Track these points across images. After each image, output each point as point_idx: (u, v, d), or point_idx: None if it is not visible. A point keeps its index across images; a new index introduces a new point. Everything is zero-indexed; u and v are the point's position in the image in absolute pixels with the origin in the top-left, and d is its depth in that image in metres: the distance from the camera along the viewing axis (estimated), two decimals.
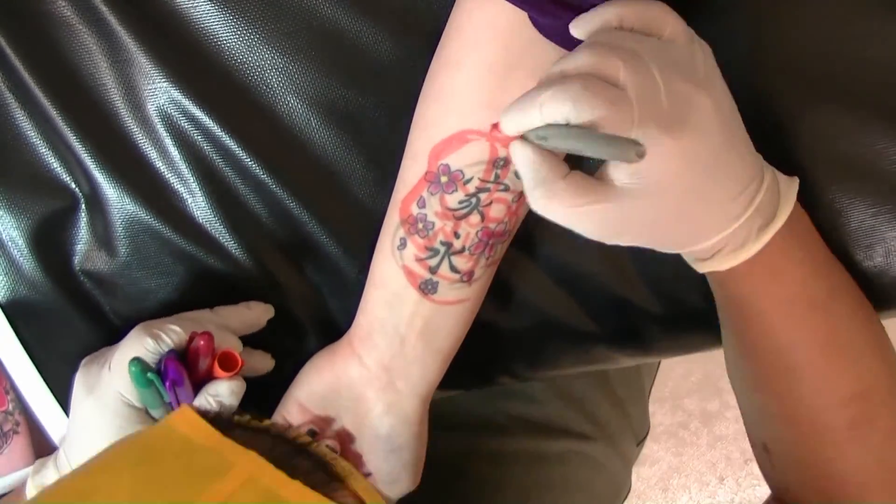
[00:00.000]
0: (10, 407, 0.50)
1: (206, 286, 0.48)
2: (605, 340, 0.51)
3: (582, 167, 0.36)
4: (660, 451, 1.32)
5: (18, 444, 0.50)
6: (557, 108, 0.34)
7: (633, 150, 0.33)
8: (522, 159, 0.36)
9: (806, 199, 0.46)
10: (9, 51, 0.44)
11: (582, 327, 0.50)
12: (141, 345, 0.43)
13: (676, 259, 0.48)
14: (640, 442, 0.73)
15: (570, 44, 0.36)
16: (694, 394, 1.33)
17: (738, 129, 0.38)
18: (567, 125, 0.34)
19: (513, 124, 0.35)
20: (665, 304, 0.49)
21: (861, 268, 0.47)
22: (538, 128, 0.35)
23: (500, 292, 0.48)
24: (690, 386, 1.33)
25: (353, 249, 0.47)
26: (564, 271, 0.49)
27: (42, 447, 0.51)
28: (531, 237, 0.47)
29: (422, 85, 0.44)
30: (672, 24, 0.37)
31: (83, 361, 0.46)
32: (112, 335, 0.49)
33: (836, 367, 0.41)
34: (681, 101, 0.35)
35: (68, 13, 0.43)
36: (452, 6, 0.43)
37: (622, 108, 0.34)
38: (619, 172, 0.35)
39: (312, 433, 0.45)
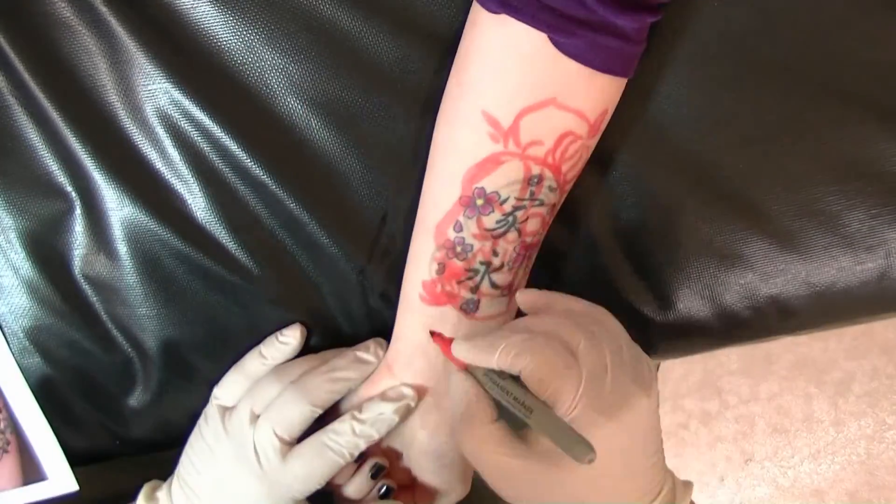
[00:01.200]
0: (2, 426, 0.49)
1: (206, 287, 0.48)
2: None
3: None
4: None
5: (7, 465, 0.50)
6: (516, 358, 0.37)
7: (586, 453, 0.34)
8: (460, 391, 0.40)
9: (804, 201, 0.46)
10: (9, 51, 0.44)
11: None
12: (326, 465, 0.43)
13: (677, 264, 0.48)
14: None
15: (590, 61, 0.37)
16: (694, 394, 1.33)
17: (658, 438, 0.40)
18: (522, 386, 0.37)
19: (465, 355, 0.40)
20: (665, 308, 0.49)
21: (862, 269, 0.47)
22: (491, 370, 0.39)
23: None
24: (690, 386, 1.33)
25: (352, 250, 0.47)
26: (563, 274, 0.49)
27: (31, 469, 0.50)
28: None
29: (423, 86, 0.44)
30: (614, 326, 0.41)
31: (216, 406, 0.46)
32: (107, 343, 0.49)
33: None
34: (621, 394, 0.38)
35: (68, 14, 0.43)
36: (452, 6, 0.43)
37: (572, 379, 0.37)
38: (540, 447, 0.38)
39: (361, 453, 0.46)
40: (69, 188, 0.46)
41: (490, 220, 0.41)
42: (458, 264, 0.42)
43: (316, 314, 0.49)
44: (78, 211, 0.46)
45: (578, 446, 0.34)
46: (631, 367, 0.39)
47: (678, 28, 0.43)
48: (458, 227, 0.41)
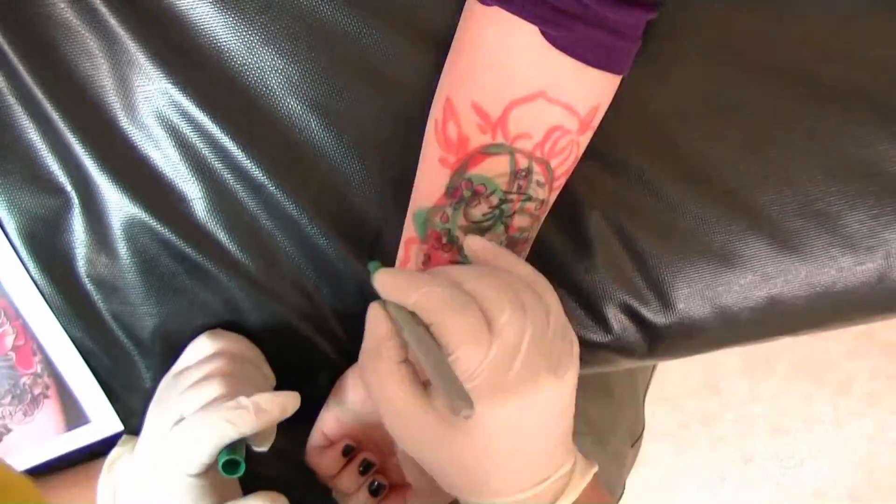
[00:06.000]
0: (39, 369, 0.49)
1: (206, 287, 0.48)
2: (606, 344, 0.51)
3: None
4: (660, 451, 1.32)
5: (49, 410, 0.49)
6: (431, 311, 0.36)
7: (462, 407, 0.34)
8: (372, 323, 0.38)
9: (804, 202, 0.46)
10: (10, 52, 0.44)
11: (584, 331, 0.50)
12: (217, 433, 0.40)
13: (677, 265, 0.48)
14: (636, 442, 0.73)
15: (581, 55, 0.37)
16: (694, 394, 1.33)
17: (566, 422, 0.39)
18: (428, 332, 0.36)
19: (384, 286, 0.38)
20: (665, 308, 0.49)
21: (862, 270, 0.47)
22: (403, 308, 0.37)
23: None
24: (690, 386, 1.33)
25: (352, 251, 0.47)
26: (565, 273, 0.49)
27: (73, 413, 0.50)
28: (536, 241, 0.47)
29: (423, 86, 0.44)
30: (548, 294, 0.39)
31: (163, 382, 0.46)
32: (109, 342, 0.49)
33: None
34: (530, 374, 0.36)
35: (69, 15, 0.43)
36: (451, 6, 0.43)
37: (478, 352, 0.35)
38: (439, 402, 0.37)
39: (350, 448, 0.46)
40: (70, 188, 0.46)
41: (477, 213, 0.41)
42: (443, 256, 0.42)
43: (315, 315, 0.49)
44: (79, 210, 0.46)
45: (458, 399, 0.34)
46: (549, 349, 0.38)
47: (678, 28, 0.43)
48: (444, 218, 0.41)
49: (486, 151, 0.39)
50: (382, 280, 0.38)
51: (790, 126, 0.45)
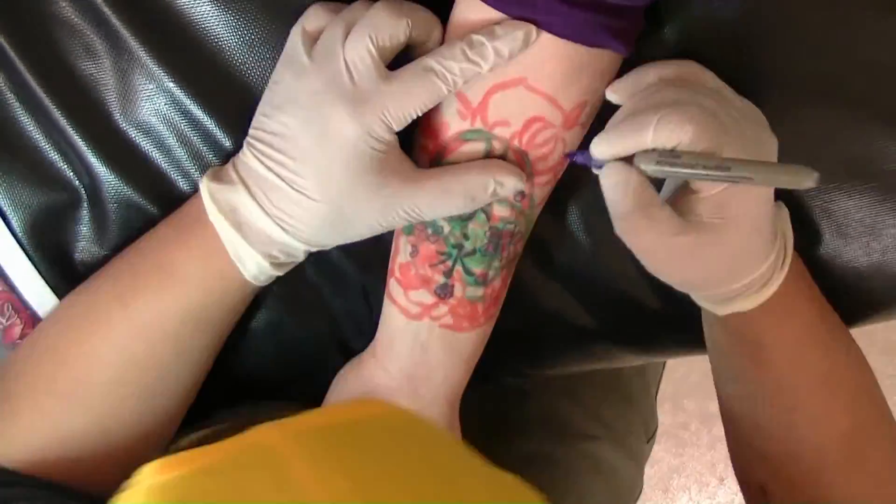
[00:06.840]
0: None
1: None
2: (608, 338, 0.51)
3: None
4: (660, 451, 1.32)
5: None
6: (677, 129, 0.33)
7: (810, 174, 0.33)
8: (623, 184, 0.35)
9: (805, 199, 0.47)
10: (11, 51, 0.44)
11: (584, 325, 0.50)
12: (426, 89, 0.37)
13: None
14: (650, 438, 0.73)
15: (564, 33, 0.36)
16: (694, 394, 1.33)
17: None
18: (687, 153, 0.34)
19: (612, 147, 0.36)
20: (668, 303, 0.49)
21: (858, 265, 0.47)
22: (645, 154, 0.35)
23: None
24: (690, 386, 1.33)
25: (353, 250, 0.47)
26: (566, 269, 0.49)
27: None
28: (534, 235, 0.47)
29: None
30: (711, 80, 0.39)
31: (298, 34, 0.40)
32: None
33: (834, 404, 0.43)
34: (755, 140, 0.37)
35: (70, 14, 0.43)
36: (449, 5, 0.43)
37: (732, 140, 0.35)
38: (706, 206, 0.36)
39: None
40: (72, 186, 0.46)
41: None
42: (430, 247, 0.42)
43: (316, 313, 0.49)
44: (81, 209, 0.47)
45: (802, 172, 0.33)
46: (751, 111, 0.39)
47: (677, 28, 0.44)
48: None
49: (463, 137, 0.39)
50: (603, 145, 0.36)
51: (790, 125, 0.45)
